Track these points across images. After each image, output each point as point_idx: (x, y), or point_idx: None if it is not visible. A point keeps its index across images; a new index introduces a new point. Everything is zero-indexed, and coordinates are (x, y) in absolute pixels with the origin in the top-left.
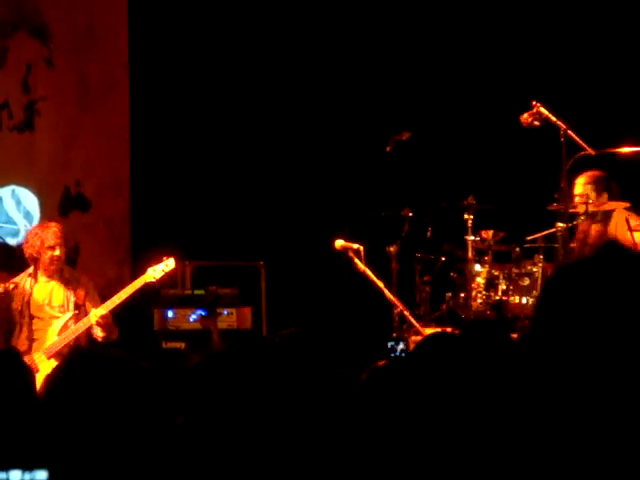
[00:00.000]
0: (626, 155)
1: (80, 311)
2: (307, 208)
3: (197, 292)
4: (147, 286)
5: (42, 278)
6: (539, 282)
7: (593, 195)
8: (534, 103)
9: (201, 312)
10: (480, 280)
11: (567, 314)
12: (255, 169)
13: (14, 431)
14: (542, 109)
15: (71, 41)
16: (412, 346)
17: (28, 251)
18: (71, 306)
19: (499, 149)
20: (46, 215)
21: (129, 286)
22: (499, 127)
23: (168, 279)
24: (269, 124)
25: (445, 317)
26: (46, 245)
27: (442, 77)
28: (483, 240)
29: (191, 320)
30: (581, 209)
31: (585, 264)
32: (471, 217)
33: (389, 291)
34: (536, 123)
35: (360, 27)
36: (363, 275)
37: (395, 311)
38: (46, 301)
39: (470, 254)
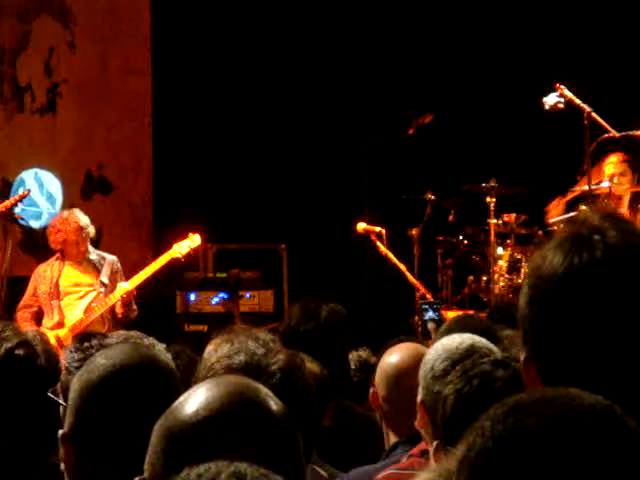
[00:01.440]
0: None
1: (107, 289)
2: (329, 190)
3: (219, 275)
4: (173, 262)
5: (69, 262)
6: None
7: (629, 174)
8: (558, 85)
9: (223, 295)
10: (502, 263)
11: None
12: (277, 151)
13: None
14: (566, 91)
15: (93, 24)
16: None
17: (53, 245)
18: (97, 287)
19: (522, 132)
20: (69, 198)
21: (155, 262)
22: (522, 110)
23: (193, 255)
24: (291, 106)
25: (467, 300)
26: (69, 242)
27: (465, 60)
28: (505, 223)
29: (213, 303)
30: (617, 190)
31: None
32: (493, 200)
33: (411, 274)
34: (560, 106)
35: (384, 9)
36: (385, 258)
37: (417, 294)
38: (74, 283)
39: (492, 237)
